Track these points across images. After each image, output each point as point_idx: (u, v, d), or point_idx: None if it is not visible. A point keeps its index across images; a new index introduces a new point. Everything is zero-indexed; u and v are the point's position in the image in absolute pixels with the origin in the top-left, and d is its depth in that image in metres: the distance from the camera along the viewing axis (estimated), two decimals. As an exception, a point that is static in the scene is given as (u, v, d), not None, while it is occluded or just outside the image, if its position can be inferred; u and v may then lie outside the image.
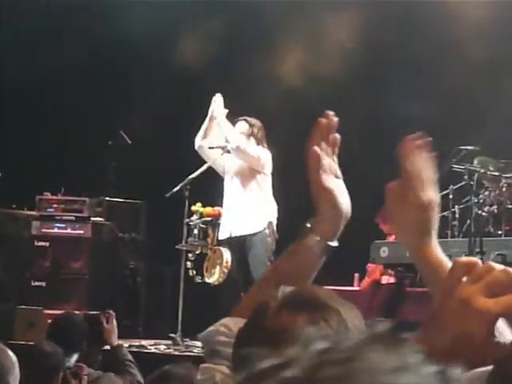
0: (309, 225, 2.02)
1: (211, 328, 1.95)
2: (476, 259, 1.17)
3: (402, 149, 1.88)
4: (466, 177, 7.50)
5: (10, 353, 3.21)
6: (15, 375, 3.17)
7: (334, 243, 2.01)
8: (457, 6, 9.36)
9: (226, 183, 7.61)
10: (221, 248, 7.58)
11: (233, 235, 7.46)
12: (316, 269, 2.02)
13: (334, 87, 9.31)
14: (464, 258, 1.19)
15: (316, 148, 1.96)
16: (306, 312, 1.56)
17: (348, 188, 2.02)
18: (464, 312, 1.13)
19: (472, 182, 7.41)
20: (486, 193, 7.72)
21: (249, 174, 7.43)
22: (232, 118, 7.64)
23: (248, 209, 7.35)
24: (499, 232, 7.49)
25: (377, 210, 8.41)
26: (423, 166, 1.86)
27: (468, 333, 1.13)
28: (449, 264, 1.83)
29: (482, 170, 7.43)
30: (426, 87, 9.20)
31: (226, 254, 7.51)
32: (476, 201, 7.51)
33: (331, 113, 2.01)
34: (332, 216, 1.99)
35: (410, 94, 8.94)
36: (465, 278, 1.15)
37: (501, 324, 1.11)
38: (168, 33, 10.02)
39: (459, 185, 7.75)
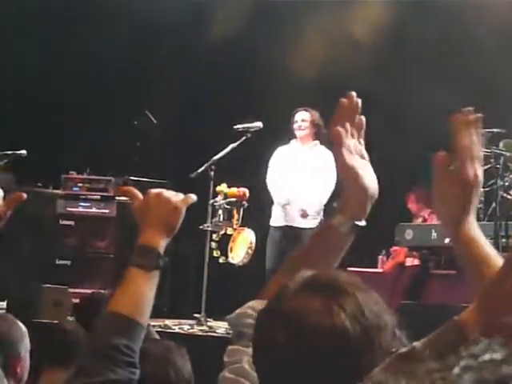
0: (335, 205, 2.01)
1: (239, 310, 1.94)
2: None
3: (454, 122, 1.88)
4: (491, 160, 7.44)
5: (20, 324, 3.29)
6: (25, 345, 3.25)
7: (362, 222, 1.99)
8: None
9: None
10: (245, 229, 7.58)
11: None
12: (343, 249, 2.00)
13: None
14: None
15: (338, 128, 1.95)
16: (321, 296, 1.56)
17: (375, 168, 2.01)
18: None
19: (498, 165, 7.35)
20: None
21: None
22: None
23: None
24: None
25: (403, 192, 8.40)
26: (473, 141, 1.85)
27: None
28: (485, 243, 1.85)
29: (508, 154, 7.37)
30: (449, 70, 9.15)
31: (251, 235, 7.52)
32: (502, 184, 7.45)
33: (353, 93, 1.99)
34: (358, 195, 1.97)
35: (434, 76, 8.90)
36: None
37: None
38: (194, 13, 10.00)
39: (485, 168, 7.68)
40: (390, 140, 8.58)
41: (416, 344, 1.27)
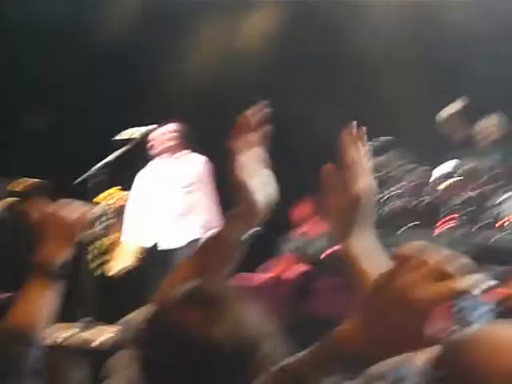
0: (228, 215, 2.03)
1: (129, 316, 1.95)
2: (417, 248, 1.18)
3: (342, 137, 1.90)
4: (381, 168, 7.56)
5: None
6: None
7: (254, 232, 2.02)
8: None
9: None
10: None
11: None
12: (235, 258, 2.03)
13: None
14: (404, 249, 1.20)
15: (234, 142, 1.97)
16: (202, 308, 1.59)
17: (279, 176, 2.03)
18: (400, 301, 1.15)
19: (386, 174, 7.48)
20: (398, 185, 7.80)
21: None
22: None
23: None
24: (410, 224, 7.57)
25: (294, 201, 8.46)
26: (360, 154, 1.87)
27: (404, 321, 1.14)
28: (376, 256, 1.88)
29: (396, 165, 7.50)
30: (335, 83, 9.29)
31: (131, 245, 7.45)
32: (393, 191, 7.57)
33: (262, 103, 2.02)
34: (249, 206, 2.00)
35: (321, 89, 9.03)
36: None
37: None
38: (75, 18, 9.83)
39: (376, 176, 7.77)
40: (278, 153, 8.61)
41: (298, 356, 1.27)
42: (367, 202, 1.87)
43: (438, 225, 7.57)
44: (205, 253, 2.04)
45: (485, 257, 6.09)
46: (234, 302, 1.61)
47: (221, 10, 9.87)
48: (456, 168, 6.87)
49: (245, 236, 2.00)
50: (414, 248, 1.20)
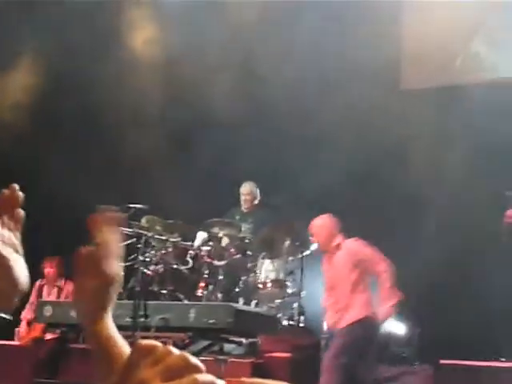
0: None
1: None
2: (156, 342, 1.19)
3: (93, 221, 1.89)
4: (133, 237, 7.51)
5: None
6: None
7: (8, 316, 1.96)
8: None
9: None
10: None
11: None
12: None
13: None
14: (145, 341, 1.20)
15: None
16: None
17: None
18: None
19: (139, 243, 7.45)
20: (153, 252, 7.81)
21: None
22: None
23: None
24: (164, 291, 7.61)
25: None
26: (111, 238, 1.88)
27: None
28: (120, 341, 1.87)
29: (150, 233, 7.51)
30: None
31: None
32: (142, 259, 7.53)
33: (16, 186, 1.97)
34: (7, 288, 1.94)
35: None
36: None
37: None
38: None
39: (125, 243, 7.73)
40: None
41: None
42: (116, 286, 1.89)
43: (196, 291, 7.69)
44: None
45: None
46: None
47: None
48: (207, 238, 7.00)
49: None
50: (153, 342, 1.21)
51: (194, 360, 1.17)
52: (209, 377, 1.16)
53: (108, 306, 1.87)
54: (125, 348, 1.88)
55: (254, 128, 9.86)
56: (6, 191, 1.96)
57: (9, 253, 1.93)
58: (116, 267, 1.89)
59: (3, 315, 1.95)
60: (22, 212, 1.99)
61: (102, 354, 1.84)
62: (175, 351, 1.18)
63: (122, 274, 1.93)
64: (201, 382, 1.15)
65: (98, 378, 1.84)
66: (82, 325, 1.89)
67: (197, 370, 1.17)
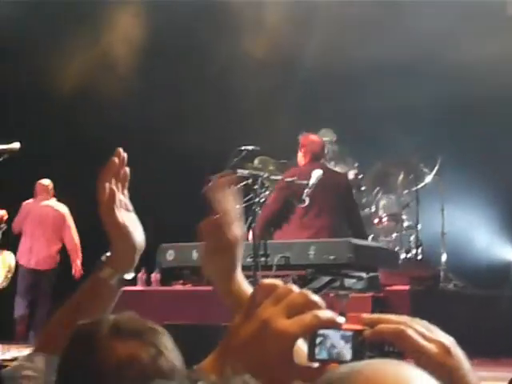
0: (103, 258, 2.06)
1: (15, 363, 1.95)
2: (278, 281, 1.23)
3: (209, 188, 1.96)
4: (248, 177, 7.56)
5: None
6: None
7: (130, 275, 2.07)
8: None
9: None
10: (4, 251, 7.38)
11: None
12: (112, 301, 2.07)
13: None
14: (266, 281, 1.25)
15: (110, 186, 2.01)
16: (137, 339, 1.66)
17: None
18: (263, 333, 1.17)
19: (255, 184, 7.50)
20: (267, 192, 7.88)
21: None
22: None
23: None
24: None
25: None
26: (229, 203, 1.92)
27: (266, 353, 1.17)
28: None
29: (265, 174, 7.54)
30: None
31: (10, 258, 7.33)
32: (257, 200, 7.57)
33: (121, 150, 2.06)
34: (126, 250, 2.05)
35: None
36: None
37: (301, 343, 1.18)
38: None
39: (240, 184, 7.81)
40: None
41: None
42: (242, 246, 1.95)
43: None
44: (82, 296, 2.05)
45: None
46: (158, 329, 1.71)
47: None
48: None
49: (121, 279, 2.04)
50: (274, 281, 1.25)
51: (314, 297, 1.21)
52: (329, 313, 1.20)
53: (237, 265, 1.93)
54: None
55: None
56: (115, 158, 2.06)
57: (127, 219, 2.05)
58: (239, 230, 1.95)
59: (126, 276, 2.07)
60: (127, 171, 2.09)
61: (236, 309, 1.90)
62: (296, 289, 1.23)
63: (244, 235, 1.98)
64: (321, 318, 1.19)
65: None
66: (215, 287, 1.96)
67: (317, 306, 1.20)
